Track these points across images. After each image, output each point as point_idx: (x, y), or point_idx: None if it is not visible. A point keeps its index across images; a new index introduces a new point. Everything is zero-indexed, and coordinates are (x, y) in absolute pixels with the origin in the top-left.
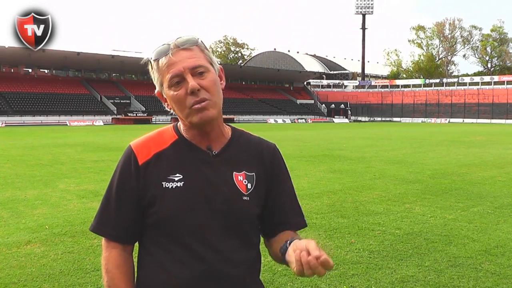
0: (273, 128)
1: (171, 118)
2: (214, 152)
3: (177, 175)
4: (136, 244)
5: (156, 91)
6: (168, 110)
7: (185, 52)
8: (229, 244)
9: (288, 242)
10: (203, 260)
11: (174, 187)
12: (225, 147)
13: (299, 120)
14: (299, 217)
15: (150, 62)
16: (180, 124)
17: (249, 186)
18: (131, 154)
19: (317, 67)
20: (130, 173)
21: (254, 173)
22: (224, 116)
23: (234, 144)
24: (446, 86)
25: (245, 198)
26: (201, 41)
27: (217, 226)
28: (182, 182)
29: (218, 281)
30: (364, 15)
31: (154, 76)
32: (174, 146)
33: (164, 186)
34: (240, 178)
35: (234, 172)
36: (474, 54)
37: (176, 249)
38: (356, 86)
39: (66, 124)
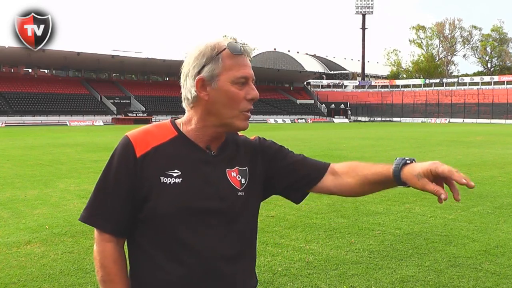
0: (273, 128)
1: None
2: (213, 153)
3: (176, 171)
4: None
5: (198, 77)
6: (199, 96)
7: (248, 61)
8: (226, 242)
9: (400, 163)
10: (200, 258)
11: (172, 183)
12: (221, 147)
13: (299, 120)
14: (322, 162)
15: (216, 48)
16: (180, 121)
17: (243, 181)
18: (129, 144)
19: (317, 67)
20: (128, 164)
21: (246, 168)
22: None
23: (228, 144)
24: (446, 86)
25: (240, 193)
26: None
27: (214, 224)
28: (181, 179)
29: (215, 279)
30: (364, 15)
31: (207, 62)
32: (173, 142)
33: (162, 181)
34: (233, 174)
35: (227, 169)
36: (474, 54)
37: (171, 247)
38: (356, 86)
39: (66, 124)
